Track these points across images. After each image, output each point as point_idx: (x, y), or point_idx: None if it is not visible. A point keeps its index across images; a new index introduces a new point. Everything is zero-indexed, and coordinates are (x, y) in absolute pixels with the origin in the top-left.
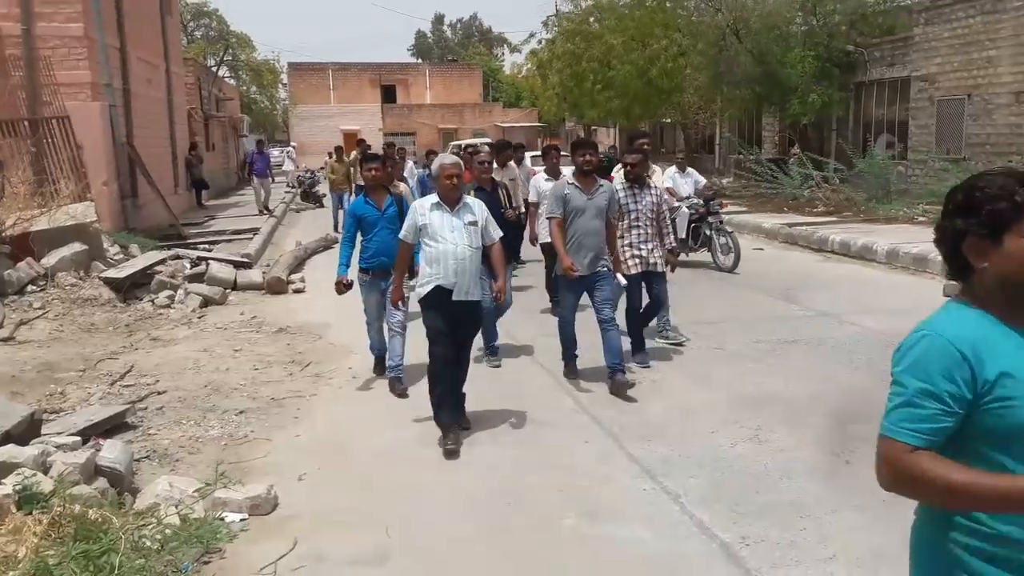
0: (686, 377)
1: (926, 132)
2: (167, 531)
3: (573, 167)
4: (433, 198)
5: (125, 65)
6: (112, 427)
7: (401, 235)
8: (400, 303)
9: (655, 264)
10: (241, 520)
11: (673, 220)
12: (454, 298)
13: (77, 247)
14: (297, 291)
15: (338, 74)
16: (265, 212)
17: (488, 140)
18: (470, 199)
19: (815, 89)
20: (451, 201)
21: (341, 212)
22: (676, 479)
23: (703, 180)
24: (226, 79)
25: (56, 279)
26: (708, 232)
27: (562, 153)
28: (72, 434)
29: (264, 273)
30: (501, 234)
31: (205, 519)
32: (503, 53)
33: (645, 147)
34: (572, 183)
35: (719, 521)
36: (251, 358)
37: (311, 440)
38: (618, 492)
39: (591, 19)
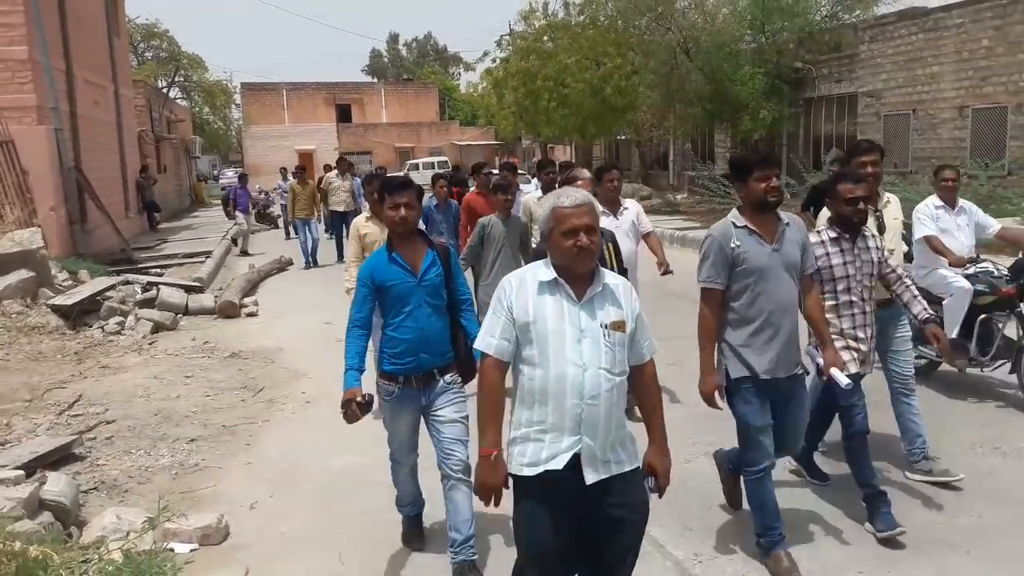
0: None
1: None
2: (110, 567)
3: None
4: (540, 270)
5: (72, 88)
6: (59, 458)
7: (480, 344)
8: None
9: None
10: (191, 551)
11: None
12: (587, 480)
13: (24, 274)
14: (250, 315)
15: (292, 94)
16: (246, 254)
17: (444, 159)
18: (610, 276)
19: (765, 106)
20: (580, 280)
21: (310, 242)
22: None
23: (995, 224)
24: (178, 100)
25: (2, 307)
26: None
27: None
28: (17, 467)
29: (216, 297)
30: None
31: (152, 551)
32: (459, 72)
33: (871, 166)
34: (742, 225)
35: (671, 538)
36: (202, 384)
37: (263, 467)
38: None
39: (544, 38)
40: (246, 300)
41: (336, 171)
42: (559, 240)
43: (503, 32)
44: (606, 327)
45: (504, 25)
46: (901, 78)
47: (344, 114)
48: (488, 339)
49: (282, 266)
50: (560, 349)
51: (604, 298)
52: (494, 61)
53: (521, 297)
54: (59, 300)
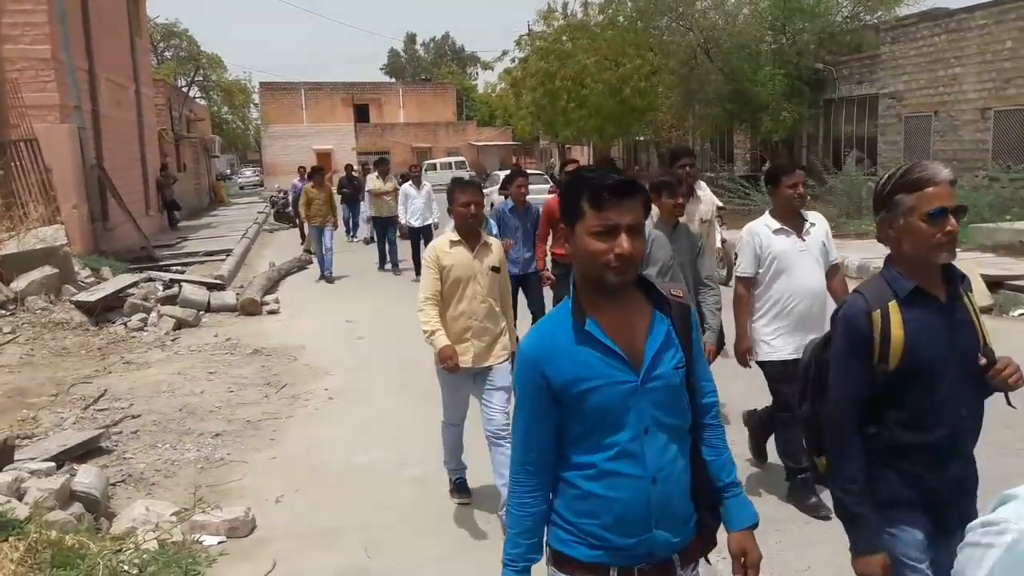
0: None
1: (895, 148)
2: (145, 556)
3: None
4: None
5: (94, 86)
6: (86, 452)
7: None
8: None
9: None
10: (219, 543)
11: None
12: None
13: (47, 270)
14: (271, 312)
15: (310, 93)
16: (308, 253)
17: (462, 159)
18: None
19: (785, 107)
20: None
21: (328, 251)
22: None
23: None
24: (197, 100)
25: (26, 303)
26: None
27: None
28: (46, 459)
29: (238, 295)
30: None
31: (183, 543)
32: (476, 72)
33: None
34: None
35: None
36: (226, 380)
37: (288, 462)
38: None
39: (564, 38)
40: (267, 298)
41: (376, 173)
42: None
43: (521, 32)
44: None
45: (523, 25)
46: (923, 79)
47: (362, 114)
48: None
49: (302, 264)
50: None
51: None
52: (513, 61)
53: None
54: (82, 296)
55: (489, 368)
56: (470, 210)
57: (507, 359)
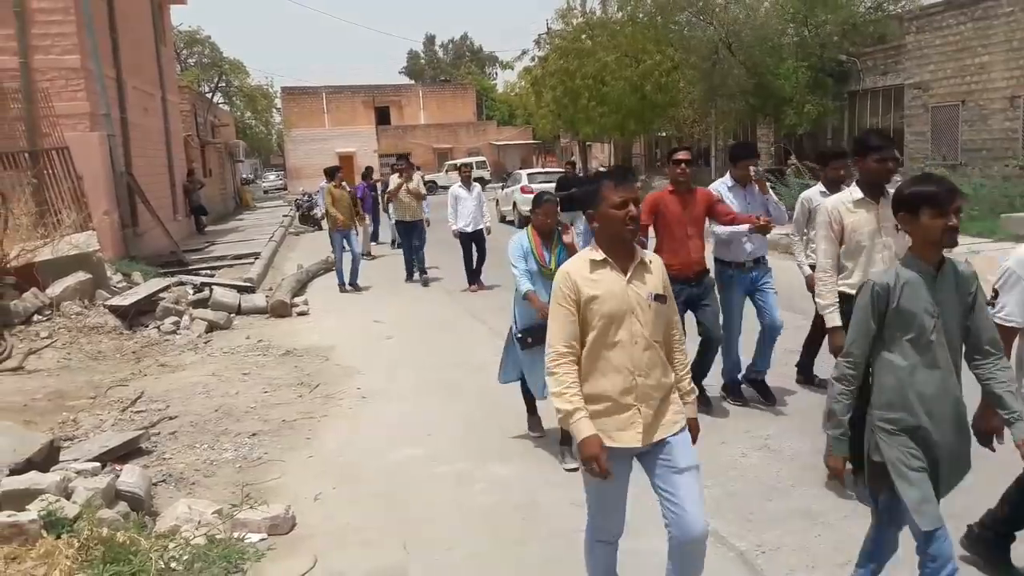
0: None
1: (921, 139)
2: (194, 552)
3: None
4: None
5: (122, 95)
6: (127, 452)
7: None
8: None
9: None
10: (261, 540)
11: None
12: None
13: (81, 276)
14: (301, 314)
15: (331, 97)
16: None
17: (483, 159)
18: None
19: (809, 99)
20: None
21: (349, 257)
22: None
23: None
24: (220, 105)
25: (61, 308)
26: None
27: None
28: (88, 460)
29: (267, 297)
30: None
31: (229, 540)
32: (495, 72)
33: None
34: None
35: (734, 530)
36: (260, 381)
37: (324, 460)
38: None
39: (583, 36)
40: (296, 299)
41: (398, 173)
42: None
43: (540, 31)
44: None
45: (541, 24)
46: (949, 69)
47: (383, 116)
48: None
49: (329, 266)
50: None
51: None
52: (532, 60)
53: None
54: (116, 301)
55: (663, 443)
56: (628, 213)
57: (685, 427)
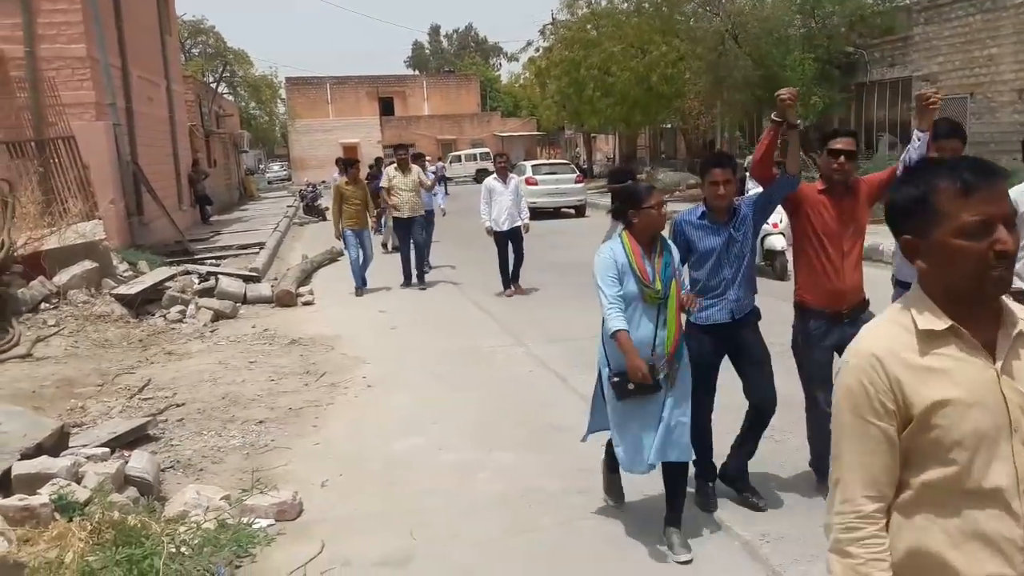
0: None
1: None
2: (205, 535)
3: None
4: None
5: (127, 84)
6: (135, 439)
7: None
8: None
9: None
10: (268, 525)
11: None
12: None
13: (87, 265)
14: (306, 303)
15: (336, 88)
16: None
17: (487, 150)
18: None
19: (816, 91)
20: None
21: (367, 259)
22: (694, 481)
23: None
24: (225, 95)
25: (68, 296)
26: None
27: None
28: (98, 446)
29: (273, 286)
30: None
31: (239, 524)
32: (499, 63)
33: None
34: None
35: (739, 520)
36: (266, 370)
37: (330, 448)
38: (638, 494)
39: (588, 27)
40: (301, 289)
41: (395, 164)
42: None
43: (546, 21)
44: None
45: (546, 14)
46: (957, 60)
47: (387, 107)
48: None
49: (334, 256)
50: None
51: None
52: (537, 51)
53: None
54: (122, 290)
55: None
56: (993, 242)
57: None
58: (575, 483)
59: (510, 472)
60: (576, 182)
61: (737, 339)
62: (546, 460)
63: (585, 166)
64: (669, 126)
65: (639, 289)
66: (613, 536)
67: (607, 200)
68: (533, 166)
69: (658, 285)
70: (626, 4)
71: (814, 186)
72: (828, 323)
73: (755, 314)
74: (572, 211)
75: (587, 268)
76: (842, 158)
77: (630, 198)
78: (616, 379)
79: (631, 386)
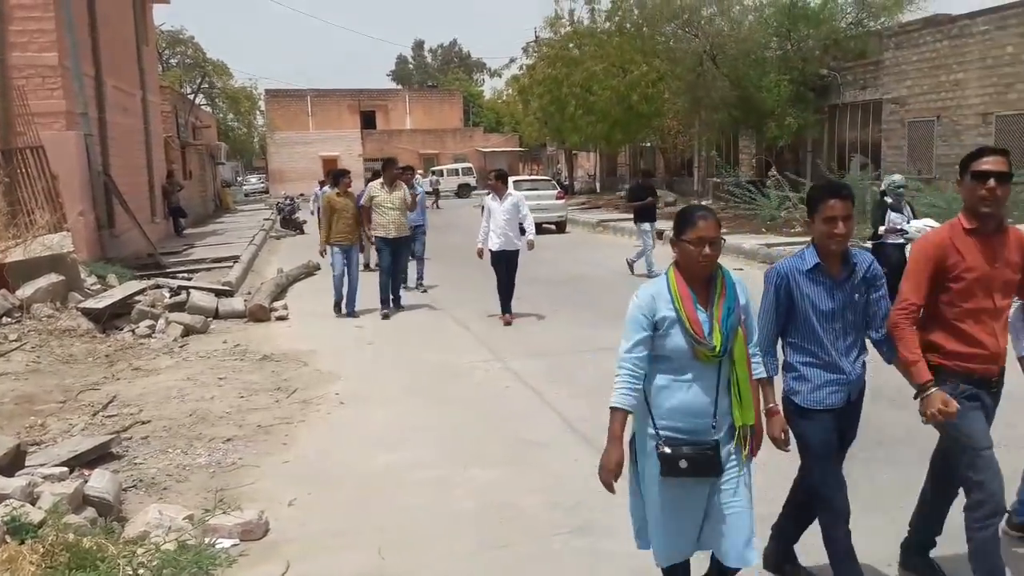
0: None
1: (898, 153)
2: (164, 557)
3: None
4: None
5: (101, 94)
6: (97, 457)
7: None
8: None
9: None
10: (233, 546)
11: None
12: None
13: (53, 278)
14: (280, 319)
15: (316, 100)
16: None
17: (469, 165)
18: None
19: (791, 112)
20: None
21: (354, 278)
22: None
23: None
24: (203, 107)
25: (32, 310)
26: None
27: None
28: (57, 465)
29: (246, 301)
30: None
31: (200, 545)
32: (483, 78)
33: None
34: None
35: None
36: (236, 386)
37: (300, 466)
38: (611, 507)
39: (571, 45)
40: (276, 304)
41: (380, 181)
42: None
43: (529, 39)
44: None
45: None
46: (926, 85)
47: (368, 121)
48: None
49: (310, 271)
50: None
51: None
52: (520, 68)
53: None
54: (89, 304)
55: None
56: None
57: None
58: (550, 499)
59: (484, 488)
60: (557, 198)
61: (844, 423)
62: (521, 476)
63: (566, 183)
64: (649, 145)
65: (689, 344)
66: (587, 552)
67: (588, 216)
68: (515, 182)
69: (716, 340)
70: (608, 24)
71: (954, 227)
72: (974, 388)
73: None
74: (553, 227)
75: (567, 283)
76: (991, 182)
77: (676, 221)
78: (668, 450)
79: (684, 463)
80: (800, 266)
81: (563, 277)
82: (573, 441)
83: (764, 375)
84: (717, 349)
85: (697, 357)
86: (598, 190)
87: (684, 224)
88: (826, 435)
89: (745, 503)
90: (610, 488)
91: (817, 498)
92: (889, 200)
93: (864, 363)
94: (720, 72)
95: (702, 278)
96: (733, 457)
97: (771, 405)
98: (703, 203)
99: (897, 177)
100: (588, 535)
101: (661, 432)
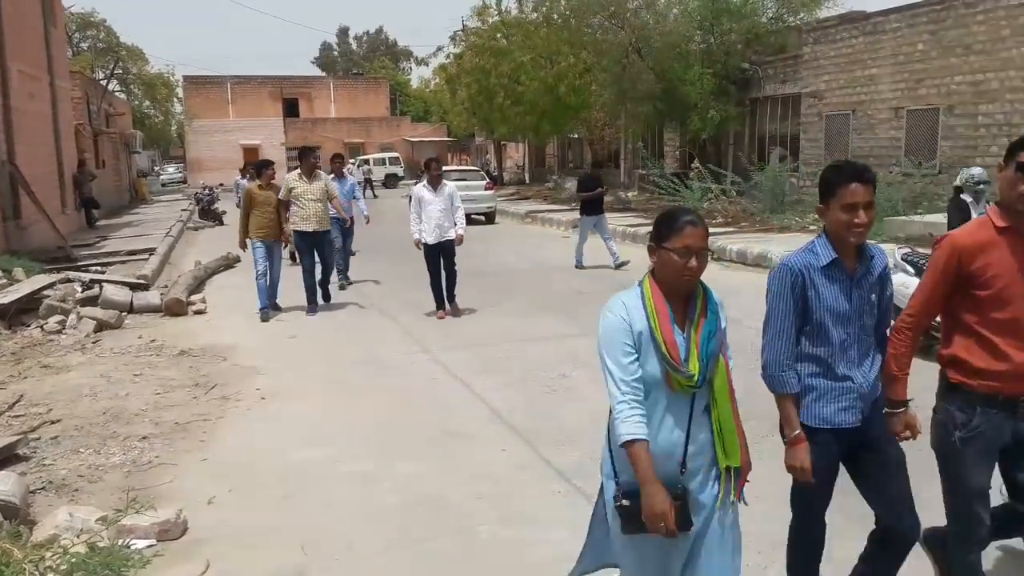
0: (598, 383)
1: (816, 145)
2: (72, 561)
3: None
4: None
5: (5, 78)
6: (2, 459)
7: None
8: None
9: None
10: (149, 546)
11: None
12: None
13: None
14: (198, 312)
15: (237, 87)
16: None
17: (396, 155)
18: None
19: (714, 105)
20: None
21: (277, 276)
22: (592, 482)
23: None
24: (116, 93)
25: None
26: None
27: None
28: None
29: (162, 295)
30: None
31: (113, 547)
32: (410, 67)
33: None
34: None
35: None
36: (152, 383)
37: (219, 463)
38: (537, 497)
39: (499, 35)
40: (193, 297)
41: (299, 171)
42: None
43: (456, 28)
44: None
45: (457, 21)
46: (842, 79)
47: (291, 109)
48: None
49: (229, 263)
50: None
51: None
52: (447, 57)
53: None
54: None
55: None
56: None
57: None
58: (475, 489)
59: (410, 482)
60: (486, 189)
61: (860, 436)
62: (447, 468)
63: (495, 173)
64: (576, 136)
65: (662, 370)
66: (513, 541)
67: (517, 207)
68: (444, 172)
69: (693, 367)
70: (536, 15)
71: (982, 224)
72: (1002, 412)
73: (883, 401)
74: (482, 218)
75: (497, 274)
76: None
77: (658, 225)
78: (626, 503)
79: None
80: (814, 262)
81: (493, 268)
82: (501, 432)
83: (787, 392)
84: (695, 378)
85: (671, 385)
86: (527, 181)
87: (668, 229)
88: (825, 462)
89: (729, 559)
90: (674, 535)
91: (791, 530)
92: (967, 198)
93: (878, 373)
94: (645, 65)
95: (683, 293)
96: (715, 502)
97: (796, 432)
98: (629, 194)
99: (976, 171)
100: (515, 525)
101: (621, 480)
